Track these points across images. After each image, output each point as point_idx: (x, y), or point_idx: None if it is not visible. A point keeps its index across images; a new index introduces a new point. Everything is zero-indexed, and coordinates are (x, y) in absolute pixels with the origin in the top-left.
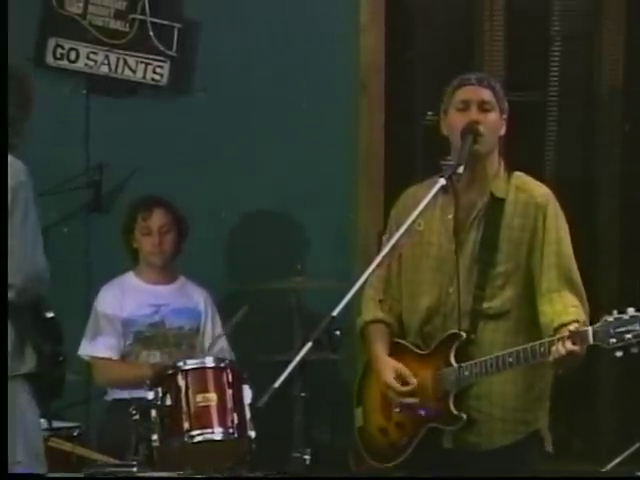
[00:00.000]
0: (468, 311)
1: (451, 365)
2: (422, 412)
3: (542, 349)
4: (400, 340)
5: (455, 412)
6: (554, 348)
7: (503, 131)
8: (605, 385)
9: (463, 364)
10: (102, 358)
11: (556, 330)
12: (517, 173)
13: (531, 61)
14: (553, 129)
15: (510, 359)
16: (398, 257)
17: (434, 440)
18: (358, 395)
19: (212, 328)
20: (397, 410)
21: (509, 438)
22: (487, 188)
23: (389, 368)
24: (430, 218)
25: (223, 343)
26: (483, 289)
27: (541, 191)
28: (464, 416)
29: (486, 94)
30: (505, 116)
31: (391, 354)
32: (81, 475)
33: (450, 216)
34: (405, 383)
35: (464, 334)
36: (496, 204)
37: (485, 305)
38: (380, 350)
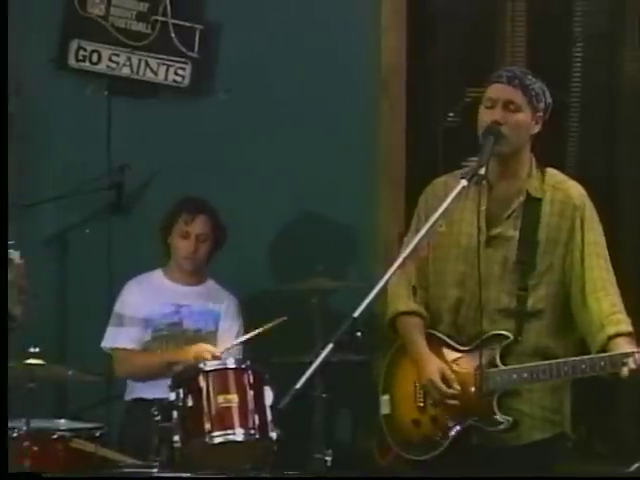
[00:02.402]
0: (504, 309)
1: (496, 366)
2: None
3: (602, 363)
4: (435, 332)
5: (499, 415)
6: (629, 364)
7: (537, 129)
8: (628, 386)
9: (510, 367)
10: (123, 349)
11: (610, 338)
12: (550, 171)
13: (553, 61)
14: (575, 129)
15: (565, 368)
16: (427, 248)
17: (463, 435)
18: (385, 383)
19: (228, 331)
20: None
21: (536, 435)
22: (522, 187)
23: (433, 366)
24: (462, 208)
25: (241, 348)
26: (520, 288)
27: (577, 191)
28: (509, 419)
29: (514, 94)
30: (541, 114)
31: (428, 346)
32: (82, 475)
33: (483, 208)
34: (449, 384)
35: (511, 336)
36: (533, 203)
37: (521, 304)
38: (421, 345)
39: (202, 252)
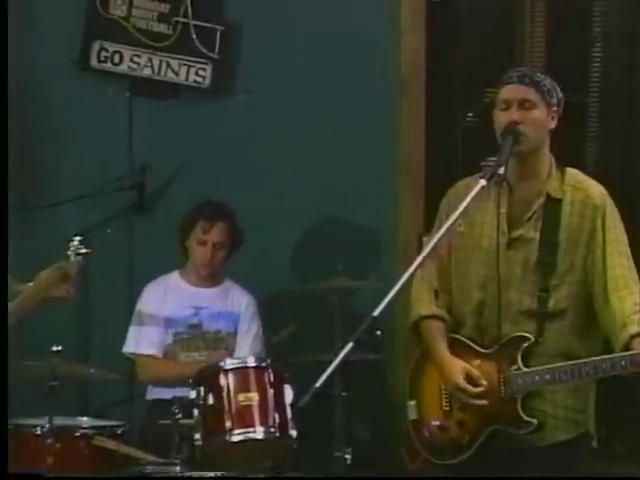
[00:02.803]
0: (526, 310)
1: (519, 368)
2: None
3: (623, 362)
4: (457, 335)
5: (524, 417)
6: None
7: (553, 125)
8: None
9: (533, 369)
10: (146, 355)
11: (633, 337)
12: (570, 171)
13: (572, 62)
14: (594, 129)
15: (587, 369)
16: (449, 248)
17: (489, 438)
18: (411, 388)
19: (247, 331)
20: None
21: (560, 436)
22: (542, 188)
23: (458, 369)
24: (483, 210)
25: (259, 348)
26: (541, 289)
27: (598, 191)
28: (534, 421)
29: (527, 92)
30: (556, 108)
31: (450, 350)
32: (84, 475)
33: (503, 210)
34: (475, 384)
35: (532, 337)
36: (553, 204)
37: (543, 305)
38: (444, 349)
39: (219, 259)
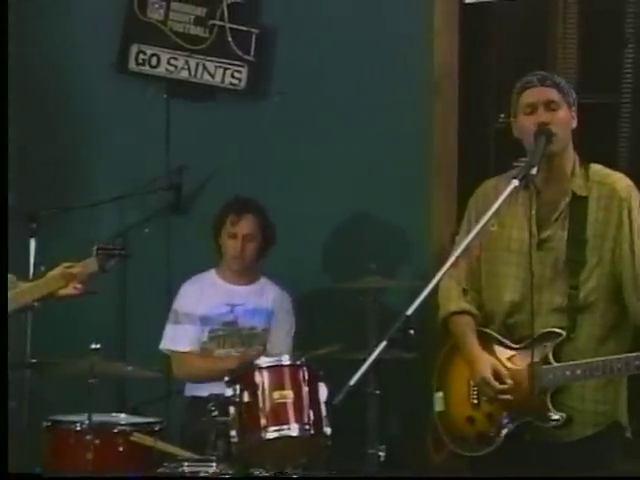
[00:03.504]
0: (557, 308)
1: (549, 363)
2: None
3: None
4: (487, 330)
5: (553, 411)
6: None
7: (574, 124)
8: None
9: (563, 364)
10: (182, 352)
11: None
12: (594, 167)
13: (605, 63)
14: (626, 130)
15: (619, 365)
16: (479, 249)
17: (516, 431)
18: (439, 380)
19: (280, 327)
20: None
21: (588, 430)
22: (568, 187)
23: (486, 364)
24: (512, 214)
25: (291, 345)
26: (572, 286)
27: (624, 183)
28: (563, 415)
29: (551, 93)
30: (574, 108)
31: (480, 344)
32: (82, 475)
33: (533, 212)
34: (502, 381)
35: (563, 332)
36: (579, 202)
37: (573, 301)
38: (473, 343)
39: (249, 252)
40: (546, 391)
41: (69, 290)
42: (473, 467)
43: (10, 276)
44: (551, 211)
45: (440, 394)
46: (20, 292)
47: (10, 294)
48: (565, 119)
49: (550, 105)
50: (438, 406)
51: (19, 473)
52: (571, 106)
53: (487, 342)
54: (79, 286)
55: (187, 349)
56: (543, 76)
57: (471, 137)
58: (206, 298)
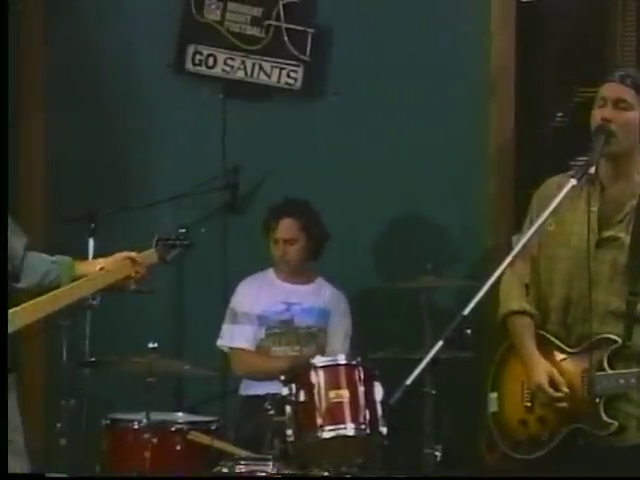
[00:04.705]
0: (613, 311)
1: (604, 370)
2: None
3: None
4: (544, 332)
5: (606, 419)
6: None
7: None
8: None
9: (618, 371)
10: (240, 349)
11: None
12: None
13: None
14: None
15: None
16: (537, 247)
17: (569, 436)
18: (494, 381)
19: (338, 328)
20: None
21: None
22: (635, 190)
23: (542, 370)
24: (574, 209)
25: (349, 345)
26: (631, 293)
27: None
28: (615, 423)
29: (625, 92)
30: None
31: (536, 346)
32: (84, 475)
33: (594, 209)
34: (557, 388)
35: (619, 340)
36: None
37: (631, 308)
38: (531, 347)
39: (292, 255)
40: (600, 398)
41: (133, 274)
42: (525, 469)
43: (64, 257)
44: (616, 211)
45: (494, 395)
46: (92, 279)
47: (76, 282)
48: (632, 121)
49: (620, 104)
50: (492, 407)
51: (19, 473)
52: None
53: (544, 345)
54: (140, 281)
55: (244, 346)
56: (627, 74)
57: (527, 136)
58: (263, 296)
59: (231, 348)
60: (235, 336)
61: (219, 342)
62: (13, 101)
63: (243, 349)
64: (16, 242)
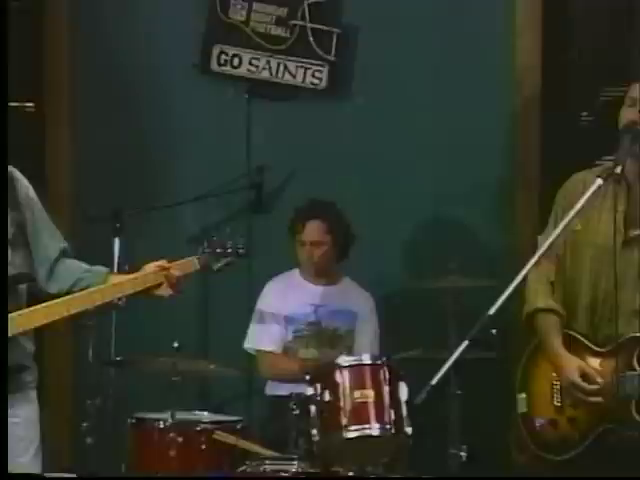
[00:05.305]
0: (639, 311)
1: (634, 369)
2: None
3: None
4: (571, 332)
5: (638, 418)
6: None
7: None
8: None
9: None
10: (267, 351)
11: None
12: None
13: None
14: None
15: None
16: (563, 246)
17: (600, 437)
18: (522, 381)
19: (366, 330)
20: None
21: None
22: None
23: (574, 366)
24: (600, 208)
25: (377, 346)
26: None
27: None
28: None
29: None
30: None
31: (564, 345)
32: (84, 475)
33: (621, 208)
34: (590, 382)
35: None
36: None
37: None
38: (558, 345)
39: (318, 257)
40: (629, 398)
41: (164, 291)
42: (555, 470)
43: (101, 268)
44: None
45: (523, 395)
46: (118, 285)
47: (105, 286)
48: None
49: None
50: (521, 407)
51: (19, 473)
52: None
53: (571, 344)
54: (175, 289)
55: (271, 348)
56: None
57: (554, 135)
58: (290, 298)
59: (258, 351)
60: (262, 338)
61: (246, 344)
62: (41, 102)
63: (271, 352)
64: (50, 244)
